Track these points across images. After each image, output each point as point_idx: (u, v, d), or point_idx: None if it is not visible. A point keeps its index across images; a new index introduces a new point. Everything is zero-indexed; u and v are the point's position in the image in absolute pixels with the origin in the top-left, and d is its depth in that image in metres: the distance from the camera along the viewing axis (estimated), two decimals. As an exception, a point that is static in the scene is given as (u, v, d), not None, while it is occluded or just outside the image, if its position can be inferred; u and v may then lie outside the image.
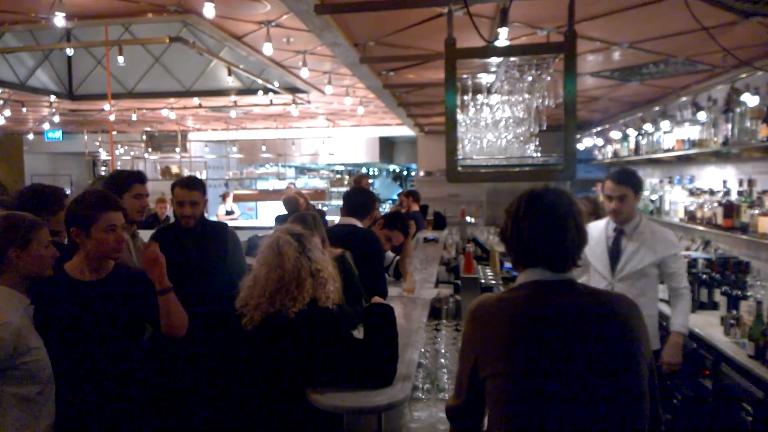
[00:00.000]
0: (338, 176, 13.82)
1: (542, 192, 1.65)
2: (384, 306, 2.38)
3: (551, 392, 1.49)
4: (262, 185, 14.32)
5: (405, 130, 11.67)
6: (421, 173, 11.68)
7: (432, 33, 3.80)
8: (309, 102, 8.49)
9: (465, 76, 3.10)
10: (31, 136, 13.09)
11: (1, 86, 7.62)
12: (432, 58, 4.26)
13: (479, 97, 3.20)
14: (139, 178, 3.32)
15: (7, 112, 8.94)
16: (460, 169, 2.52)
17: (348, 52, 4.05)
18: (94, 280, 2.32)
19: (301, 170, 15.93)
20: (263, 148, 12.56)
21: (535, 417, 1.50)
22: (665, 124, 5.86)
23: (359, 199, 3.91)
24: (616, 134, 7.65)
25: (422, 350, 2.70)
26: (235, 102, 8.65)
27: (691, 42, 3.91)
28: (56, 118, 10.13)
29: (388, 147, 14.65)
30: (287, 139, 12.67)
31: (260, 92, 7.94)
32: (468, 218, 8.85)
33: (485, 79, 3.06)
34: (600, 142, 8.58)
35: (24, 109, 8.92)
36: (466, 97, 3.20)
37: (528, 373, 1.50)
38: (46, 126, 11.27)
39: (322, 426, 2.21)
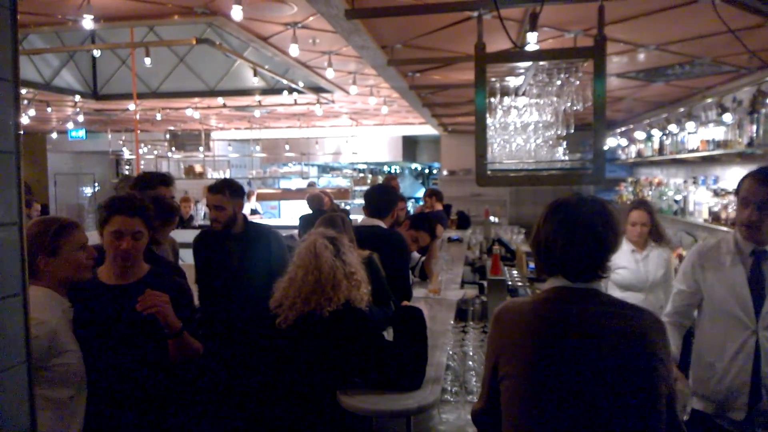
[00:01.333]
0: (361, 175, 13.86)
1: (565, 201, 1.68)
2: (414, 309, 2.42)
3: (560, 399, 1.50)
4: (285, 184, 14.43)
5: (428, 129, 11.67)
6: (445, 172, 11.68)
7: (459, 35, 3.81)
8: (333, 102, 8.54)
9: (493, 79, 3.11)
10: (54, 135, 13.31)
11: (26, 86, 7.71)
12: (459, 60, 4.28)
13: (507, 100, 3.21)
14: (164, 180, 3.27)
15: (32, 112, 9.10)
16: (489, 173, 2.55)
17: (375, 55, 4.07)
18: (124, 284, 2.26)
19: (324, 169, 15.99)
20: (286, 147, 12.65)
21: (541, 422, 1.51)
22: (690, 125, 5.81)
23: (380, 197, 3.88)
24: (640, 134, 7.60)
25: (450, 352, 2.73)
26: (259, 102, 8.72)
27: (717, 44, 3.88)
28: (80, 118, 10.29)
29: (411, 146, 14.65)
30: (310, 138, 12.74)
31: (285, 92, 8.00)
32: (492, 218, 8.84)
33: (513, 82, 3.07)
34: (624, 142, 8.51)
35: (49, 109, 9.06)
36: (493, 100, 3.22)
37: (538, 377, 1.53)
38: (70, 125, 11.46)
39: (351, 427, 2.25)
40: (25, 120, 9.86)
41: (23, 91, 7.90)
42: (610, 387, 1.48)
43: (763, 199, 2.24)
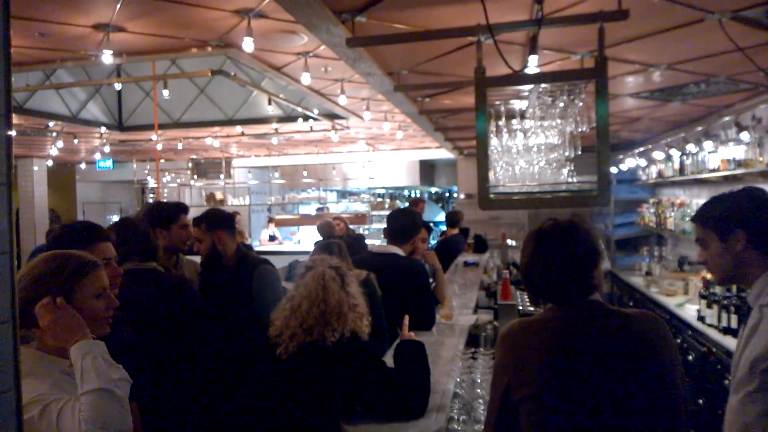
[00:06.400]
0: (379, 200, 13.90)
1: (539, 230, 1.71)
2: (414, 342, 2.38)
3: (585, 415, 1.50)
4: (304, 210, 14.54)
5: (445, 153, 11.69)
6: (462, 196, 11.64)
7: (465, 59, 3.82)
8: (348, 128, 8.62)
9: (498, 102, 3.10)
10: (83, 165, 13.66)
11: (54, 119, 7.98)
12: (465, 84, 4.29)
13: (513, 122, 3.20)
14: (185, 209, 3.35)
15: (60, 144, 9.36)
16: (492, 196, 2.52)
17: (382, 81, 4.11)
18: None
19: (342, 194, 16.10)
20: (304, 173, 12.79)
21: None
22: (708, 144, 5.71)
23: (400, 222, 3.59)
24: (659, 154, 7.48)
25: (458, 380, 2.68)
26: (276, 129, 8.85)
27: (730, 62, 3.82)
28: (107, 148, 10.55)
29: (428, 170, 14.67)
30: (328, 164, 12.85)
31: (300, 119, 8.11)
32: (509, 241, 8.75)
33: (518, 104, 3.06)
34: (643, 162, 8.39)
35: (75, 141, 9.31)
36: (500, 123, 3.20)
37: (561, 396, 1.52)
38: (97, 156, 11.77)
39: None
40: (54, 151, 10.16)
41: (51, 123, 8.17)
42: (631, 397, 1.50)
43: (698, 236, 1.88)
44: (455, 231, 7.67)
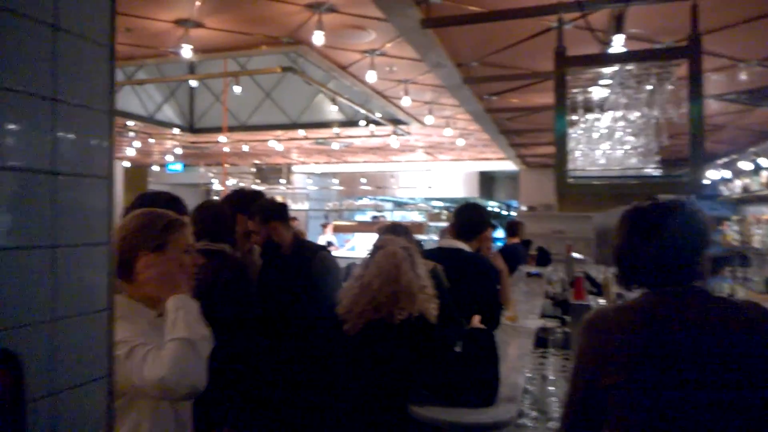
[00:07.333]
0: (436, 211, 13.75)
1: (637, 207, 1.56)
2: (483, 330, 2.33)
3: (678, 408, 1.38)
4: (360, 217, 14.58)
5: (506, 165, 11.46)
6: (523, 208, 11.36)
7: (537, 51, 3.69)
8: (409, 133, 8.58)
9: (575, 90, 2.95)
10: (156, 168, 14.20)
11: (132, 119, 8.35)
12: (537, 76, 4.15)
13: (594, 111, 3.03)
14: (263, 196, 3.52)
15: (138, 144, 9.75)
16: (570, 180, 2.38)
17: (451, 73, 4.03)
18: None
19: (399, 204, 16.03)
20: (363, 180, 12.81)
21: (662, 428, 1.40)
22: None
23: (468, 215, 3.44)
24: (746, 165, 7.00)
25: (528, 376, 2.55)
26: (337, 134, 8.92)
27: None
28: (178, 150, 10.91)
29: (488, 182, 14.40)
30: (386, 172, 12.83)
31: (362, 122, 8.13)
32: (575, 254, 8.40)
33: (597, 94, 2.89)
34: (727, 174, 7.87)
35: (152, 140, 9.69)
36: (575, 117, 3.04)
37: (654, 383, 1.40)
38: (169, 158, 12.21)
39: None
40: (131, 152, 10.61)
41: (131, 123, 8.54)
42: (730, 393, 1.37)
43: None
44: (515, 240, 7.45)
